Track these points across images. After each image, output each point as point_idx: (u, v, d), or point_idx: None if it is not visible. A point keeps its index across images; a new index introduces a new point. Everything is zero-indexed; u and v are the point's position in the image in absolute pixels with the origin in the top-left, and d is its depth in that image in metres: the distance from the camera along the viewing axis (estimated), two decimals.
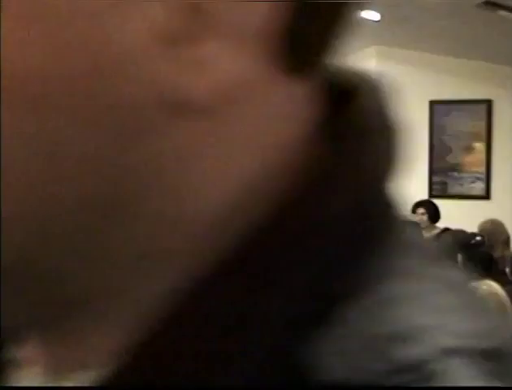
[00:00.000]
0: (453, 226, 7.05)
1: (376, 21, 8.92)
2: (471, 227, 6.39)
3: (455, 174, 9.95)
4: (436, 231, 7.42)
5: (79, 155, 0.39)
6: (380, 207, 0.48)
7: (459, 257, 5.55)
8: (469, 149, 9.91)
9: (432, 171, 10.00)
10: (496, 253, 5.77)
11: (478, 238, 5.69)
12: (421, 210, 8.22)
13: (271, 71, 0.43)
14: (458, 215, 8.26)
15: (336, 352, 0.38)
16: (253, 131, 0.44)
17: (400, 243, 0.46)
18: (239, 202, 0.43)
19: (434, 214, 8.18)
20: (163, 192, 0.42)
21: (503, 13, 7.77)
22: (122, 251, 0.42)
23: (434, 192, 9.86)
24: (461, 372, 0.37)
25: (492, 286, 3.16)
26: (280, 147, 0.45)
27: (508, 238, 6.55)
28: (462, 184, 9.94)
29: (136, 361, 0.41)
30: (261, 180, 0.44)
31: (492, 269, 5.20)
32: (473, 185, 9.90)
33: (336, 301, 0.40)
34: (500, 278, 4.40)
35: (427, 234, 7.76)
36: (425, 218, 8.16)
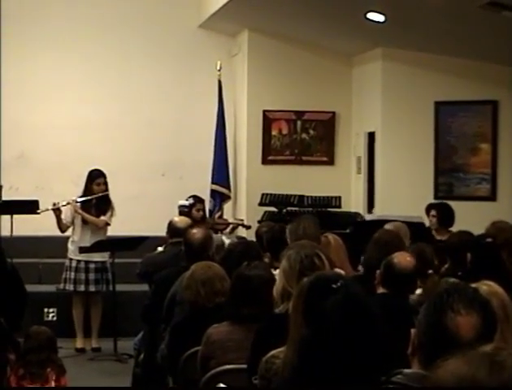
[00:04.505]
0: (459, 227, 7.04)
1: (382, 23, 8.92)
2: (477, 228, 6.38)
3: (461, 175, 9.94)
4: (446, 235, 7.37)
5: None
6: None
7: (468, 256, 5.56)
8: (475, 150, 9.90)
9: (438, 172, 9.99)
10: (504, 255, 5.76)
11: (488, 239, 5.69)
12: (433, 212, 8.21)
13: None
14: (464, 216, 8.25)
15: None
16: None
17: None
18: None
19: (445, 218, 8.14)
20: None
21: (507, 14, 7.77)
22: None
23: (440, 194, 9.85)
24: None
25: (492, 286, 3.16)
26: None
27: None
28: (468, 185, 9.92)
29: None
30: None
31: (500, 270, 5.20)
32: (479, 186, 9.89)
33: None
34: (508, 279, 4.40)
35: (438, 237, 7.76)
36: (434, 220, 8.15)
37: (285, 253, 3.97)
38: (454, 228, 7.73)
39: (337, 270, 4.37)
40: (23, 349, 5.56)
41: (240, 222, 9.57)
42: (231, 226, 9.35)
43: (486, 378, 1.57)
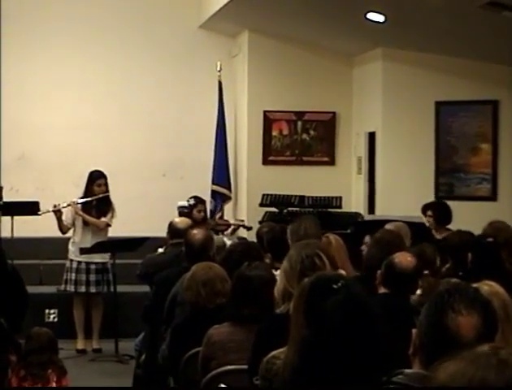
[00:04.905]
0: (460, 227, 7.04)
1: (382, 23, 8.92)
2: (478, 228, 6.38)
3: (461, 175, 9.94)
4: (445, 234, 7.39)
5: None
6: None
7: (469, 256, 5.57)
8: (475, 150, 9.90)
9: (439, 172, 9.99)
10: (504, 255, 5.77)
11: (489, 239, 5.70)
12: (429, 212, 8.21)
13: None
14: (465, 217, 8.25)
15: None
16: None
17: None
18: None
19: (442, 216, 8.15)
20: None
21: (507, 14, 7.77)
22: None
23: (440, 194, 9.85)
24: None
25: (493, 286, 3.16)
26: None
27: None
28: (468, 185, 9.92)
29: None
30: None
31: (500, 270, 5.20)
32: (479, 186, 9.88)
33: None
34: (508, 279, 4.40)
35: (438, 236, 7.76)
36: (431, 220, 8.15)
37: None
38: (455, 228, 7.72)
39: (340, 270, 4.37)
40: (24, 351, 5.55)
41: (241, 223, 9.56)
42: (232, 227, 9.34)
43: (495, 378, 1.57)
